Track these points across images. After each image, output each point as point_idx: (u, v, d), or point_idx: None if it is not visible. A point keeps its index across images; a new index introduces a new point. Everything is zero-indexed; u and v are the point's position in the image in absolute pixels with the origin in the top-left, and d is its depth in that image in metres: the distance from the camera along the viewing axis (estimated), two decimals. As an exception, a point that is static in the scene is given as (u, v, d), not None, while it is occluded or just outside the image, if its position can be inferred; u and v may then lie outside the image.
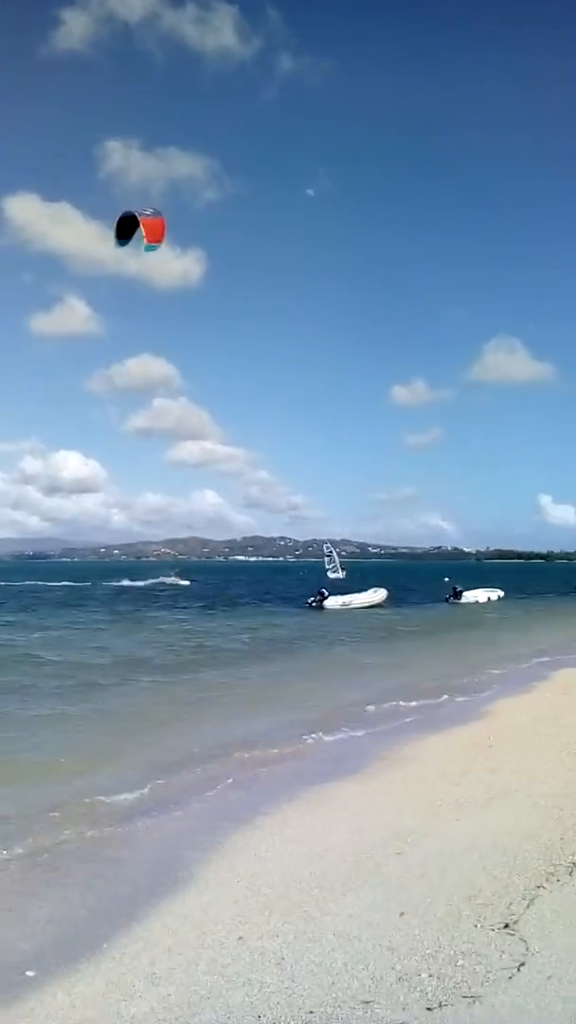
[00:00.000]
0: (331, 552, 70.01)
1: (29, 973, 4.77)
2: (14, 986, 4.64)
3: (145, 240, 8.53)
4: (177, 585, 71.25)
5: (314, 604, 40.82)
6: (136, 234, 8.81)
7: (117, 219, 9.01)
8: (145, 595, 56.75)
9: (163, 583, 72.19)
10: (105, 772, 9.52)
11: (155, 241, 8.53)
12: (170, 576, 75.77)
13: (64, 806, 8.13)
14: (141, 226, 8.54)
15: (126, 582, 73.60)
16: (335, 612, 39.20)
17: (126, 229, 9.00)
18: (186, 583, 73.23)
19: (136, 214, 8.72)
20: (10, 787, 8.80)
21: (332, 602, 40.98)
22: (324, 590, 42.74)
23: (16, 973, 4.78)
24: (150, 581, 73.34)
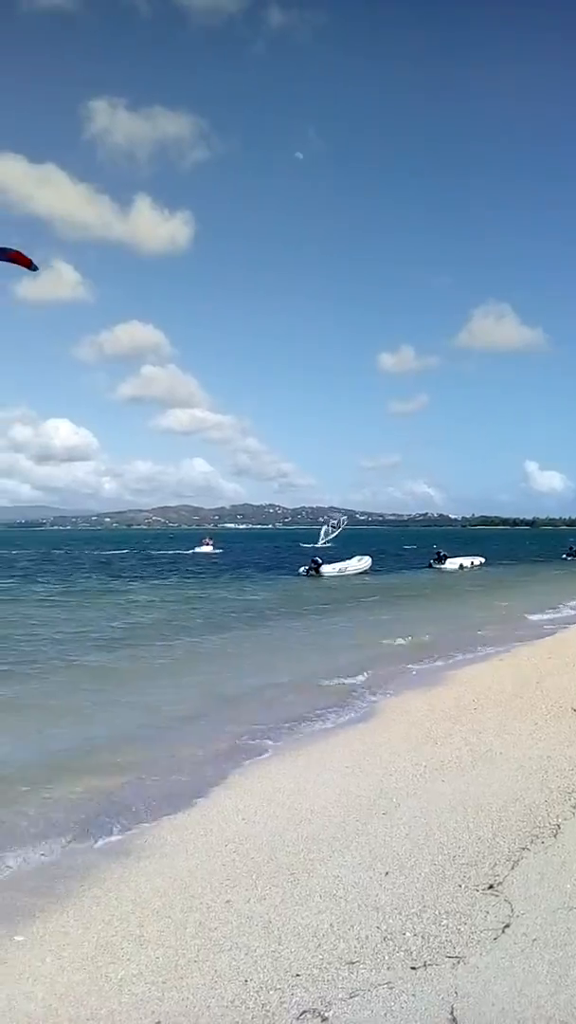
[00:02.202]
0: (338, 525, 70.63)
1: (18, 938, 4.79)
2: (3, 950, 4.66)
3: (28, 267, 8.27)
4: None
5: (310, 572, 40.86)
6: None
7: None
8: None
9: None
10: (98, 724, 9.57)
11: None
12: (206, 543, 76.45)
13: (54, 764, 8.16)
14: (15, 259, 8.24)
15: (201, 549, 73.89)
16: (331, 579, 39.34)
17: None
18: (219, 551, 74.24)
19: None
20: None
21: (328, 569, 41.17)
22: (318, 558, 42.90)
23: (6, 938, 4.80)
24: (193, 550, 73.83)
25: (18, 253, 8.00)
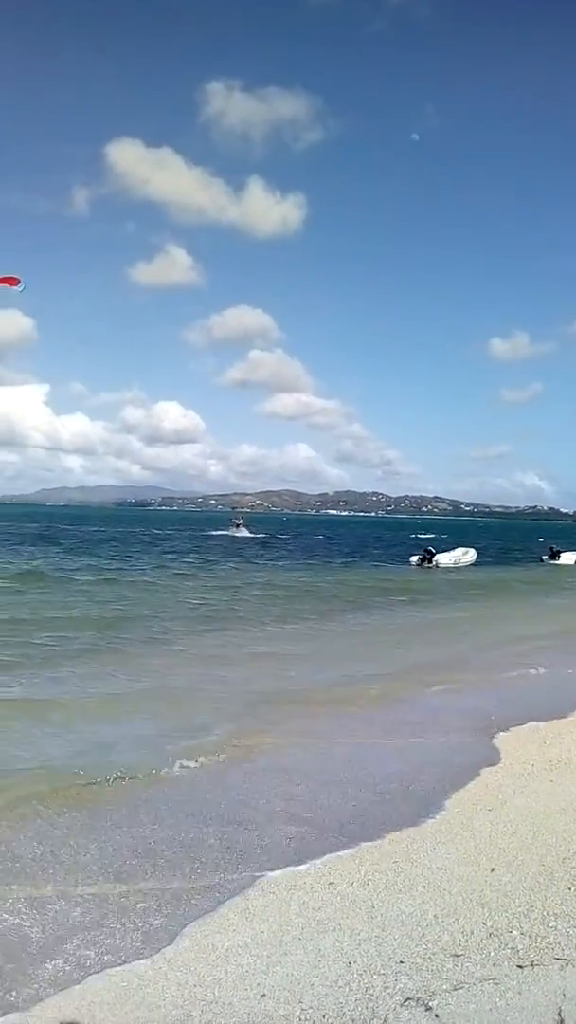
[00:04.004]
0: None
1: (156, 922, 4.76)
2: (139, 932, 4.72)
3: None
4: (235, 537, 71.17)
5: (423, 562, 40.09)
6: None
7: None
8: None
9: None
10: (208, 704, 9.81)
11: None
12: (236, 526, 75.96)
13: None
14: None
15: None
16: (445, 570, 38.68)
17: None
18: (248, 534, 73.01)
19: None
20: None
21: (444, 560, 40.48)
22: (431, 548, 42.26)
23: (142, 921, 4.75)
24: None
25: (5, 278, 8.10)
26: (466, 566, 41.25)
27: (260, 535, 73.80)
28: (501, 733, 9.06)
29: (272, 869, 5.42)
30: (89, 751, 8.11)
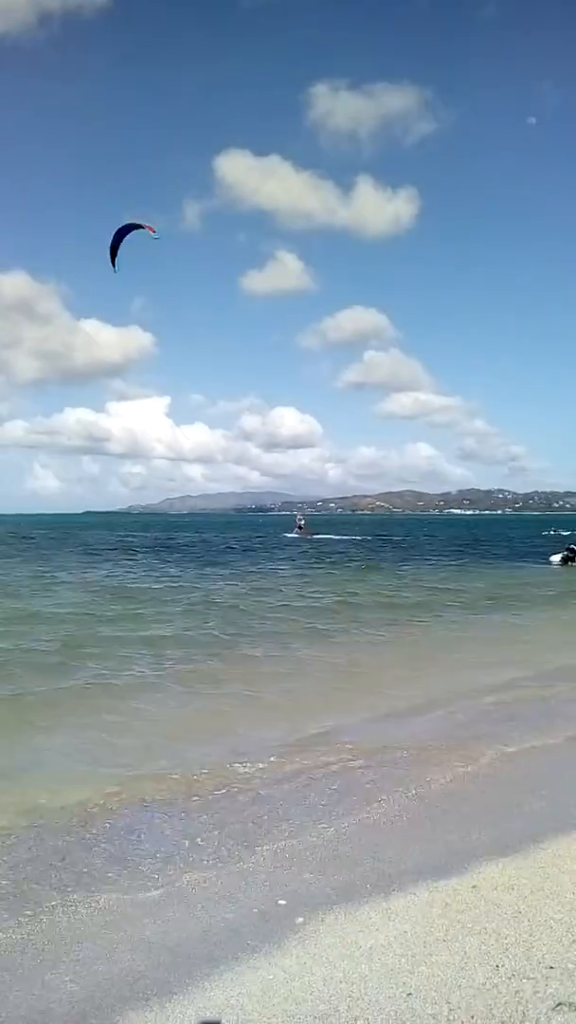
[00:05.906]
0: None
1: (298, 920, 4.85)
2: (284, 929, 4.76)
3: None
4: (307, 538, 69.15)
5: (568, 561, 38.75)
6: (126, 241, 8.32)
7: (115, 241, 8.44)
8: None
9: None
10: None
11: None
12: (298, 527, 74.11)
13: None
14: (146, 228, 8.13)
15: None
16: None
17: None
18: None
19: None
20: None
21: None
22: (574, 546, 40.97)
23: (286, 918, 4.86)
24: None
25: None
26: None
27: (347, 537, 72.22)
28: None
29: (415, 872, 5.40)
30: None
